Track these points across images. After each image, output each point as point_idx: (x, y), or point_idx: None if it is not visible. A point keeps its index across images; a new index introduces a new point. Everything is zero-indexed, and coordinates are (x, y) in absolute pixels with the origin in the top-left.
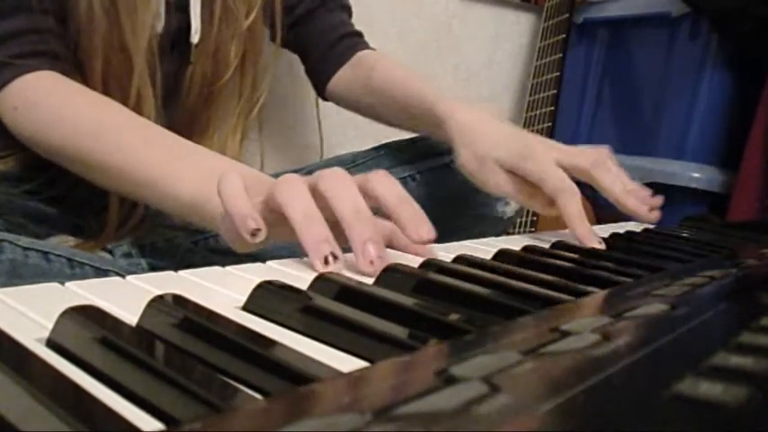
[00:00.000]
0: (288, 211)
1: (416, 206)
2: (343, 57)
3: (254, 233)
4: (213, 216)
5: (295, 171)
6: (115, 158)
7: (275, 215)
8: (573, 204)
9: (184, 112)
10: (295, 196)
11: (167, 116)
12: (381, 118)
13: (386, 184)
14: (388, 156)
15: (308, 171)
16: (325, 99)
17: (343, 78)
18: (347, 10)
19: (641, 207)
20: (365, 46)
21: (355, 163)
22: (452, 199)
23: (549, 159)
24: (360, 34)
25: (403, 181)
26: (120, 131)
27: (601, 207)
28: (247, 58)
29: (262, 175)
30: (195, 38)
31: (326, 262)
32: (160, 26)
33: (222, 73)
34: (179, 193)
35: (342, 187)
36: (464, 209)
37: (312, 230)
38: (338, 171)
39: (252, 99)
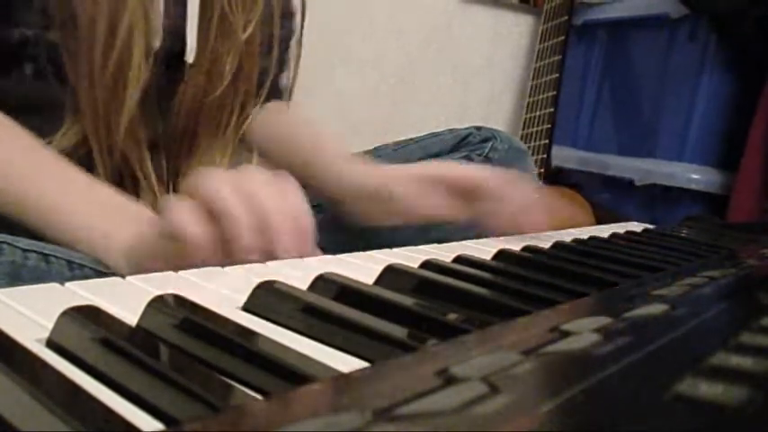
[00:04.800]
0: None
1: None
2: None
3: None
4: (108, 249)
5: None
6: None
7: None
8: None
9: (176, 126)
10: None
11: (159, 130)
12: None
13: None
14: (389, 156)
15: None
16: None
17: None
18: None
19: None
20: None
21: None
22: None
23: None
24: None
25: None
26: (11, 156)
27: (600, 207)
28: (242, 73)
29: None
30: (191, 57)
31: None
32: (157, 43)
33: (216, 86)
34: (70, 225)
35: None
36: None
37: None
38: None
39: (243, 114)
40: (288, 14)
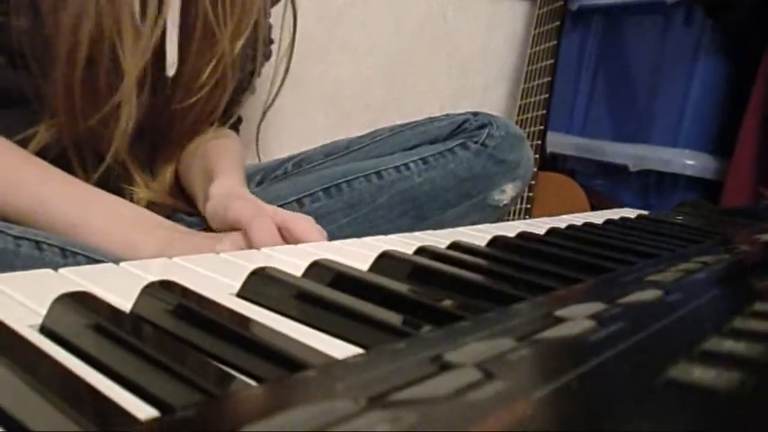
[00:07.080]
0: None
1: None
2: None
3: None
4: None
5: (287, 159)
6: (14, 198)
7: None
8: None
9: (147, 135)
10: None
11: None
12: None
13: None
14: (385, 142)
15: (299, 160)
16: None
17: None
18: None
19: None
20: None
21: (349, 150)
22: (450, 187)
23: None
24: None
25: (401, 168)
26: (17, 170)
27: (595, 194)
28: (218, 86)
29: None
30: (171, 71)
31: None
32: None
33: (191, 95)
34: (97, 244)
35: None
36: (461, 196)
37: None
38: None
39: (208, 122)
40: (269, 41)
